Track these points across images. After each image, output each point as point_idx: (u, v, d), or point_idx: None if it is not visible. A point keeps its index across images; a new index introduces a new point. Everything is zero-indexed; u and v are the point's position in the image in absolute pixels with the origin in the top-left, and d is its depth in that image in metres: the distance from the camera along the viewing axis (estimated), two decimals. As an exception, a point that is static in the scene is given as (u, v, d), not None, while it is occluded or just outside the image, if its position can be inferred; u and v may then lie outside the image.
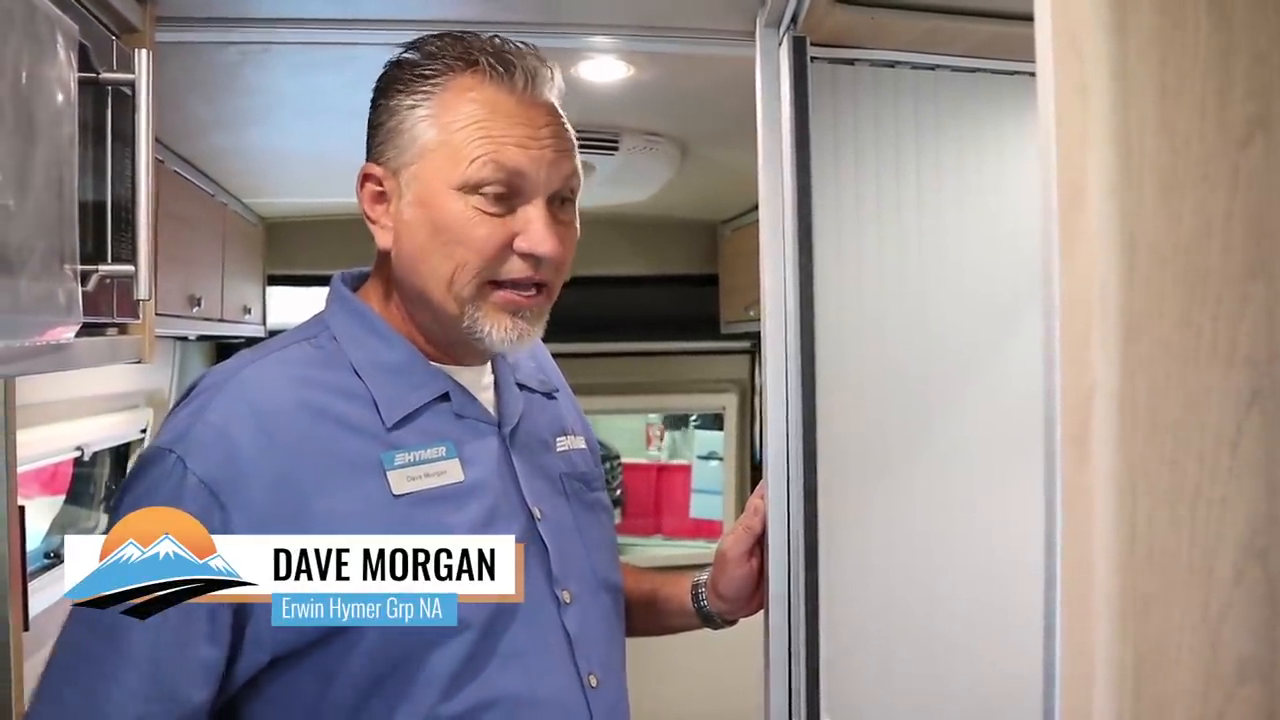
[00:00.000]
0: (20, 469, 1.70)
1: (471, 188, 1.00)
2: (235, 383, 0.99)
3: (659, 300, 3.36)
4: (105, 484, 2.62)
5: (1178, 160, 0.53)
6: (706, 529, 4.57)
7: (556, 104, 1.06)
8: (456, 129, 1.01)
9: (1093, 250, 0.52)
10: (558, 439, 1.17)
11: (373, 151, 1.07)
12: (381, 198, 1.06)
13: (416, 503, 0.99)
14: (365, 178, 1.07)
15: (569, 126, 1.07)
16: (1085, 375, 0.52)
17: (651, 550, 4.68)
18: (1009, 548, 1.26)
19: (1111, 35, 0.52)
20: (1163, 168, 0.53)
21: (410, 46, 1.07)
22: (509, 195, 1.01)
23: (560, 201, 1.05)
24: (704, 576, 1.28)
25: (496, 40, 1.05)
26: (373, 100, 1.08)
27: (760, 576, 1.25)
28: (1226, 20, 0.53)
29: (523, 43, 1.05)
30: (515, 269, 1.01)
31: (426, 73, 1.04)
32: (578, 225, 1.08)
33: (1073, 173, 0.53)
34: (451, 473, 1.02)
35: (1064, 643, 0.54)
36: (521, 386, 1.16)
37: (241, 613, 0.94)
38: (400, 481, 0.99)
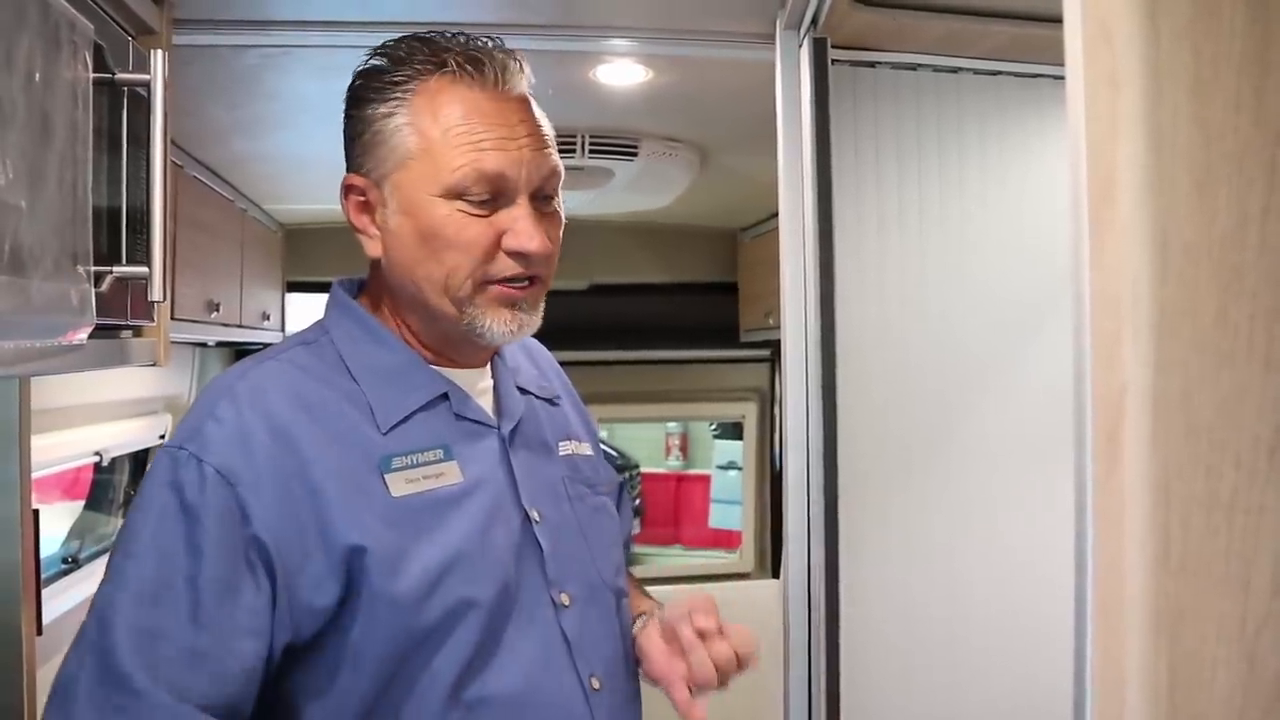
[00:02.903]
0: (39, 474, 1.71)
1: (455, 194, 1.00)
2: (242, 386, 0.99)
3: (677, 308, 3.34)
4: (124, 489, 2.62)
5: (1212, 154, 0.51)
6: (725, 539, 4.54)
7: (529, 95, 1.06)
8: (435, 136, 1.00)
9: (1124, 246, 0.51)
10: (560, 443, 1.16)
11: (352, 162, 1.06)
12: (366, 207, 1.06)
13: (416, 505, 0.99)
14: (348, 188, 1.07)
15: (542, 120, 1.06)
16: (1117, 374, 0.50)
17: (670, 560, 4.66)
18: (1030, 556, 1.24)
19: (1144, 25, 0.51)
20: (1196, 162, 0.51)
21: (377, 52, 1.05)
22: (493, 196, 1.01)
23: (543, 195, 1.04)
24: (651, 616, 1.16)
25: (462, 38, 1.04)
26: (345, 111, 1.07)
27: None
28: (1263, 10, 0.51)
29: (488, 37, 1.04)
30: (506, 268, 1.02)
31: (397, 79, 1.03)
32: (562, 213, 1.08)
33: (1103, 166, 0.52)
34: (450, 474, 1.02)
35: (1095, 654, 0.52)
36: (523, 391, 1.15)
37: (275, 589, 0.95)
38: (398, 484, 0.99)
